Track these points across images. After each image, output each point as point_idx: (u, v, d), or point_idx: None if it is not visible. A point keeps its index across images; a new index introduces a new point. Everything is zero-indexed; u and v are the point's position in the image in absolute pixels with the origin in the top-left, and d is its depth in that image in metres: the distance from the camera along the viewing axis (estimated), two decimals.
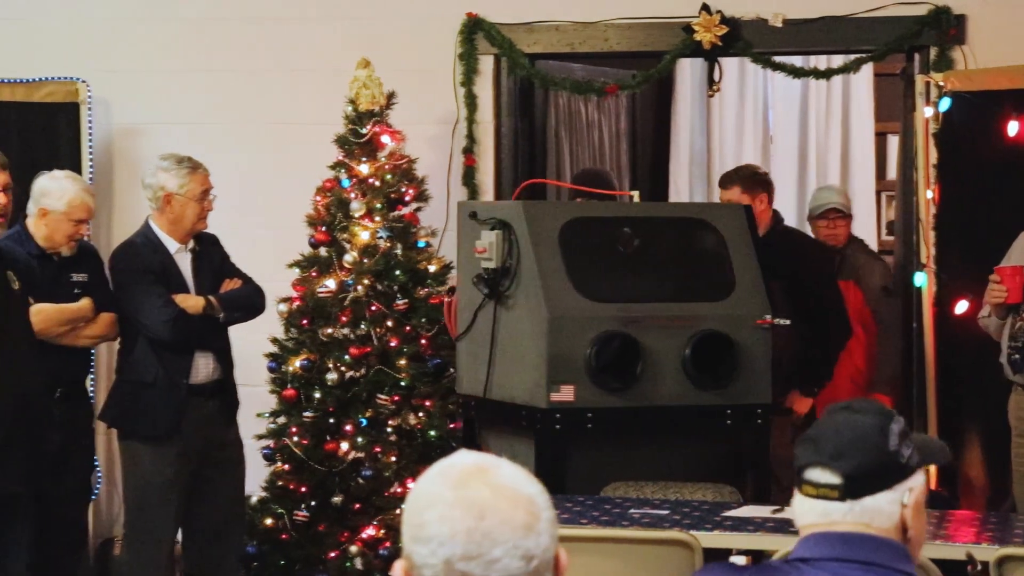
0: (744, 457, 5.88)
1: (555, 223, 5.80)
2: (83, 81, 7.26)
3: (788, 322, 5.95)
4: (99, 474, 7.13)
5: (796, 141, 9.47)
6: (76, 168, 7.15)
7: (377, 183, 6.73)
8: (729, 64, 7.98)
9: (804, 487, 2.74)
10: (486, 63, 7.28)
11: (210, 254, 6.22)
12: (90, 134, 7.26)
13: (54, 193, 6.01)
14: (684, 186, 9.39)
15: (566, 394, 5.57)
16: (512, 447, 5.73)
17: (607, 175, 7.62)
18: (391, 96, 6.83)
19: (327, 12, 7.44)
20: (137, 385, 6.06)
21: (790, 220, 7.97)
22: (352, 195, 6.72)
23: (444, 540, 2.15)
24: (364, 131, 6.76)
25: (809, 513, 2.74)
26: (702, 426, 5.78)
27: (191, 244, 6.16)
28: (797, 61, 7.49)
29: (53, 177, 6.14)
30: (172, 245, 6.12)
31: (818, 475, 2.72)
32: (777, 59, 7.18)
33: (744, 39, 7.06)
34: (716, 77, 7.22)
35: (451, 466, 2.23)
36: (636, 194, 6.23)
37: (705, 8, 7.03)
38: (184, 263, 6.14)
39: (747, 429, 5.83)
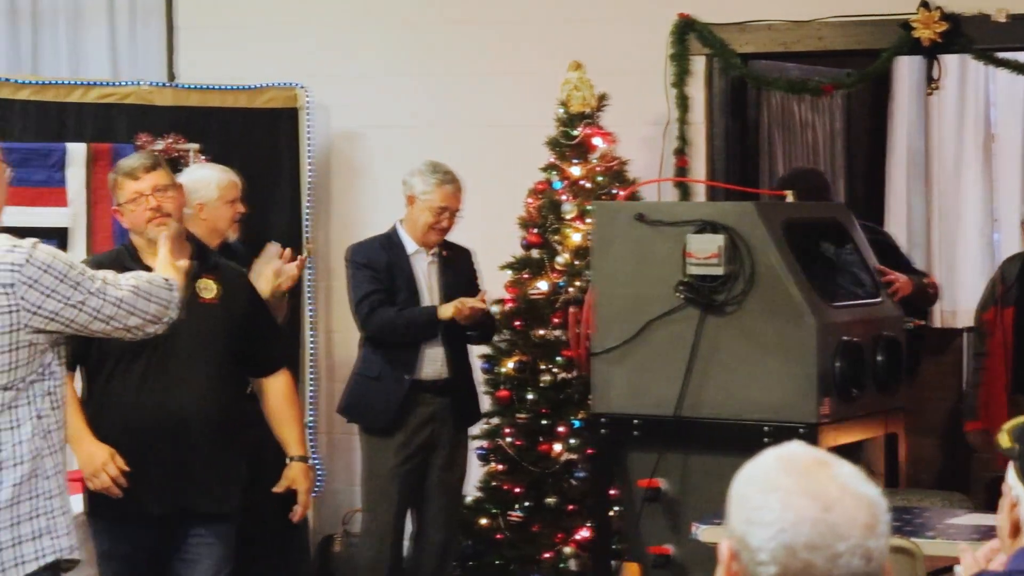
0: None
1: (778, 225, 5.41)
2: (302, 87, 7.42)
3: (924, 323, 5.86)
4: (320, 471, 7.27)
5: (1020, 140, 9.19)
6: (295, 173, 7.33)
7: (589, 185, 6.74)
8: (949, 61, 7.78)
9: None
10: (698, 63, 7.23)
11: (461, 266, 6.36)
12: (309, 139, 7.41)
13: (201, 184, 6.06)
14: (900, 187, 9.19)
15: (826, 407, 5.16)
16: (738, 467, 5.36)
17: (821, 174, 7.48)
18: (602, 98, 6.83)
19: (539, 15, 7.48)
20: (365, 379, 6.26)
21: (1015, 223, 7.72)
22: (564, 197, 6.74)
23: (786, 526, 2.13)
24: (576, 133, 6.78)
25: None
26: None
27: (438, 251, 6.27)
28: (1022, 57, 7.26)
29: (190, 172, 6.19)
30: (411, 246, 6.27)
31: None
32: (1000, 55, 6.98)
33: (965, 35, 6.88)
34: (935, 75, 7.05)
35: (791, 455, 2.22)
36: (790, 194, 6.12)
37: (924, 4, 6.87)
38: (422, 265, 6.27)
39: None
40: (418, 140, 7.34)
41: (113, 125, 6.99)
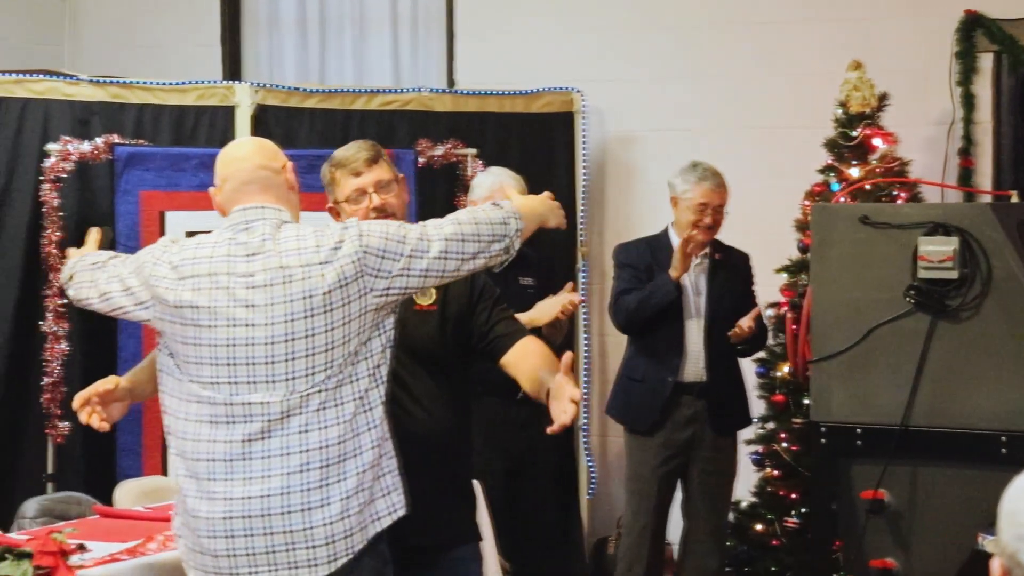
0: None
1: (1015, 227, 5.12)
2: (578, 91, 7.47)
3: None
4: (593, 473, 7.31)
5: None
6: (570, 176, 7.38)
7: (868, 186, 6.60)
8: None
9: None
10: (984, 61, 7.02)
11: (735, 270, 6.29)
12: (584, 142, 7.46)
13: (478, 184, 6.18)
14: None
15: None
16: (972, 479, 5.01)
17: None
18: (883, 97, 6.69)
19: (818, 14, 7.36)
20: (629, 381, 6.27)
21: None
22: (842, 199, 6.61)
23: None
24: (855, 134, 6.65)
25: None
26: None
27: (709, 252, 6.24)
28: None
29: (481, 175, 6.33)
30: None
31: None
32: None
33: None
34: None
35: None
36: (1015, 194, 5.81)
37: None
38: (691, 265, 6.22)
39: None
40: (693, 143, 7.32)
41: (394, 131, 7.15)
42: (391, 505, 3.74)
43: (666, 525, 6.31)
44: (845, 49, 6.93)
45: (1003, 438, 4.93)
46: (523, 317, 5.91)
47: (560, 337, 6.04)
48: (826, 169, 6.72)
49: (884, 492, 5.09)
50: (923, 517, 5.05)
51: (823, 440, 5.23)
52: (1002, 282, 5.00)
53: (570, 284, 5.86)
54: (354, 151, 4.16)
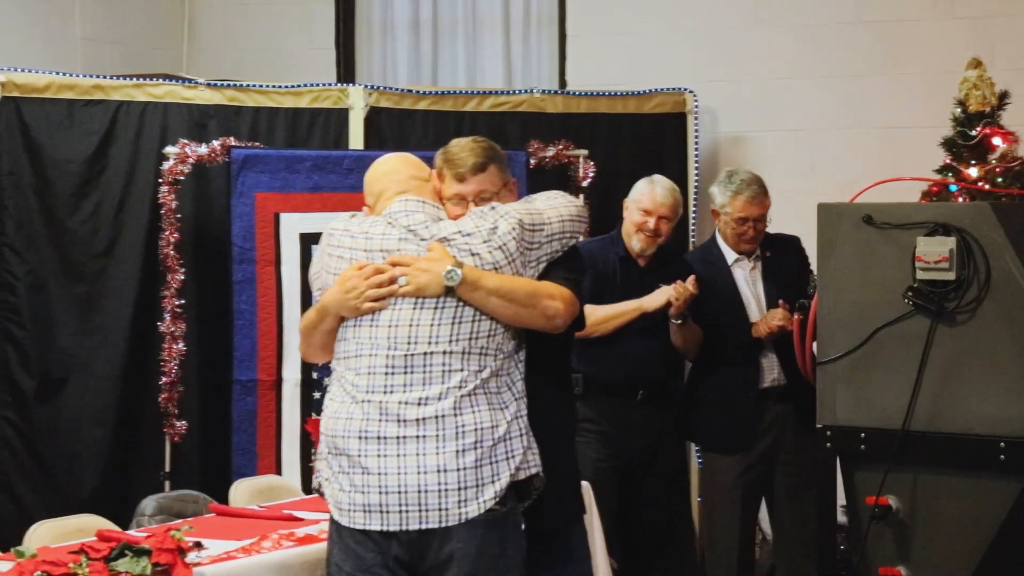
0: None
1: (1018, 227, 4.92)
2: (691, 91, 7.43)
3: None
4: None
5: None
6: (681, 176, 7.34)
7: (987, 187, 6.50)
8: None
9: None
10: None
11: (784, 258, 6.19)
12: (696, 143, 7.42)
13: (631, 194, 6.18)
14: None
15: None
16: (973, 486, 4.84)
17: None
18: (1003, 96, 6.57)
19: (938, 12, 7.26)
20: (707, 402, 6.17)
21: None
22: (960, 200, 6.51)
23: None
24: (974, 133, 6.54)
25: None
26: None
27: (759, 253, 6.16)
28: None
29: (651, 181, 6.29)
30: (730, 256, 6.17)
31: None
32: None
33: None
34: None
35: None
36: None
37: None
38: (743, 272, 6.16)
39: None
40: (806, 143, 7.25)
41: (506, 133, 7.16)
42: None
43: (754, 532, 6.24)
44: (964, 47, 6.83)
45: (1002, 444, 4.77)
46: (632, 303, 5.92)
47: (694, 338, 5.99)
48: (944, 169, 6.62)
49: (888, 498, 4.94)
50: (928, 523, 4.89)
51: (828, 444, 5.07)
52: (1001, 284, 4.82)
53: (692, 277, 5.85)
54: (465, 154, 4.22)
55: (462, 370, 3.97)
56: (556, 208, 4.23)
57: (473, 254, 4.03)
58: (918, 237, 4.92)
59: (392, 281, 4.01)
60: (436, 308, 4.00)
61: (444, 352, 3.98)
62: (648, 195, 6.06)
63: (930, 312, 4.88)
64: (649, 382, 6.07)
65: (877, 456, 4.96)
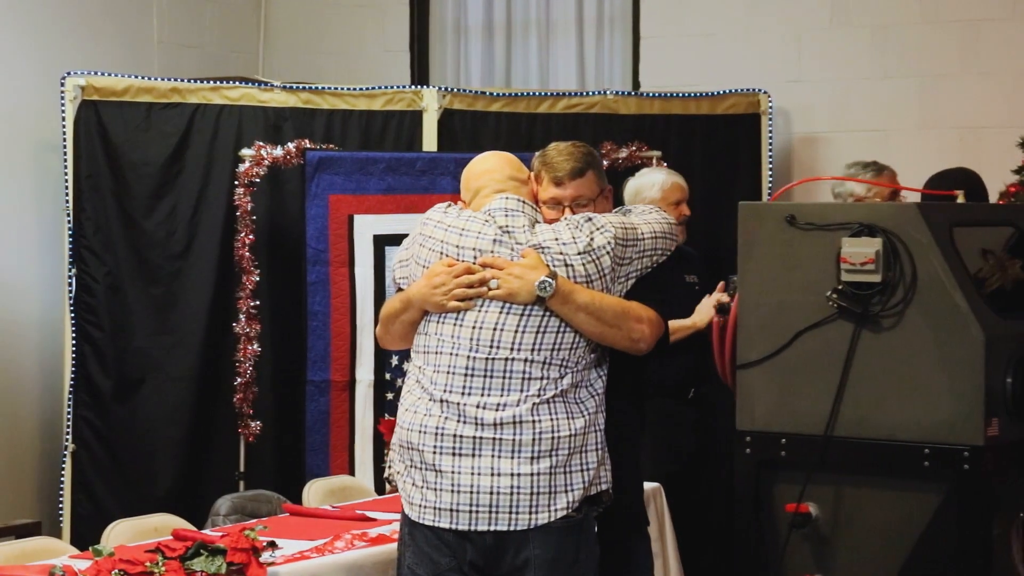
0: None
1: (945, 229, 4.76)
2: (764, 92, 7.39)
3: None
4: None
5: None
6: (756, 178, 7.31)
7: None
8: None
9: None
10: None
11: None
12: (770, 144, 7.38)
13: (645, 186, 6.15)
14: None
15: (994, 428, 4.59)
16: (896, 494, 4.70)
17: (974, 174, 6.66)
18: None
19: (1016, 12, 7.18)
20: None
21: None
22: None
23: None
24: None
25: None
26: None
27: None
28: None
29: (640, 174, 6.33)
30: None
31: None
32: None
33: None
34: None
35: None
36: (961, 194, 5.50)
37: None
38: None
39: None
40: (881, 144, 7.19)
41: (579, 134, 7.11)
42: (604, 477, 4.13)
43: None
44: None
45: (926, 450, 4.62)
46: (686, 322, 5.89)
47: None
48: (1021, 169, 6.56)
49: (808, 505, 4.76)
50: (848, 532, 4.71)
51: (747, 450, 4.88)
52: (927, 287, 4.66)
53: (721, 284, 5.80)
54: (564, 158, 4.20)
55: (542, 378, 3.95)
56: (650, 223, 4.22)
57: (567, 265, 4.01)
58: (843, 238, 4.74)
59: (482, 283, 3.99)
60: (522, 315, 3.97)
61: (526, 360, 3.95)
62: (671, 183, 6.06)
63: (854, 315, 4.71)
64: (702, 383, 6.08)
65: (798, 463, 4.79)
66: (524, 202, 4.09)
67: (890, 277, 4.67)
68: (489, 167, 4.17)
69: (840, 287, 4.73)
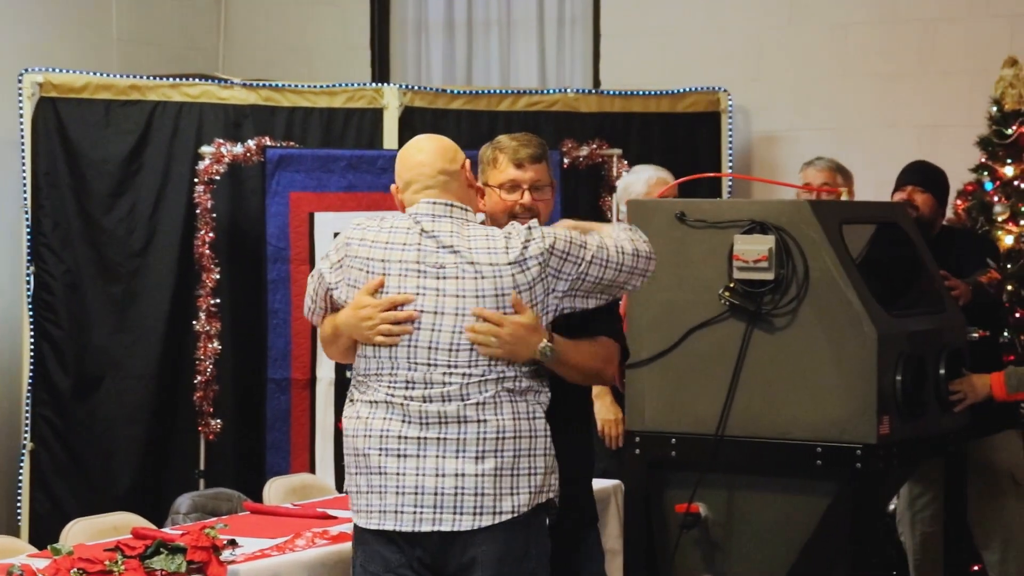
0: None
1: (835, 226, 4.77)
2: (724, 91, 7.42)
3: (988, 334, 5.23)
4: None
5: None
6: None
7: (1022, 185, 6.47)
8: None
9: None
10: None
11: None
12: (730, 142, 7.41)
13: (633, 181, 6.18)
14: None
15: (885, 426, 4.61)
16: (788, 493, 4.71)
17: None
18: None
19: (974, 11, 7.23)
20: None
21: None
22: (995, 198, 6.50)
23: None
24: (1010, 132, 6.52)
25: None
26: None
27: None
28: None
29: (631, 172, 6.37)
30: None
31: None
32: None
33: None
34: None
35: None
36: (845, 192, 5.55)
37: None
38: None
39: None
40: (840, 142, 7.23)
41: (540, 132, 7.06)
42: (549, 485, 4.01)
43: None
44: (1000, 46, 6.80)
45: (819, 449, 4.61)
46: None
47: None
48: (979, 168, 6.60)
49: (699, 505, 4.76)
50: (740, 531, 4.73)
51: (637, 450, 4.89)
52: (819, 284, 4.65)
53: None
54: (524, 142, 4.17)
55: (484, 380, 3.92)
56: (616, 246, 4.00)
57: (497, 276, 3.88)
58: (735, 235, 4.72)
59: (410, 320, 3.87)
60: (453, 332, 3.88)
61: (463, 373, 3.92)
62: (656, 178, 6.07)
63: (747, 313, 4.69)
64: None
65: (688, 462, 4.77)
66: (451, 204, 3.97)
67: (783, 274, 4.65)
68: (420, 160, 4.03)
69: (732, 284, 4.71)
